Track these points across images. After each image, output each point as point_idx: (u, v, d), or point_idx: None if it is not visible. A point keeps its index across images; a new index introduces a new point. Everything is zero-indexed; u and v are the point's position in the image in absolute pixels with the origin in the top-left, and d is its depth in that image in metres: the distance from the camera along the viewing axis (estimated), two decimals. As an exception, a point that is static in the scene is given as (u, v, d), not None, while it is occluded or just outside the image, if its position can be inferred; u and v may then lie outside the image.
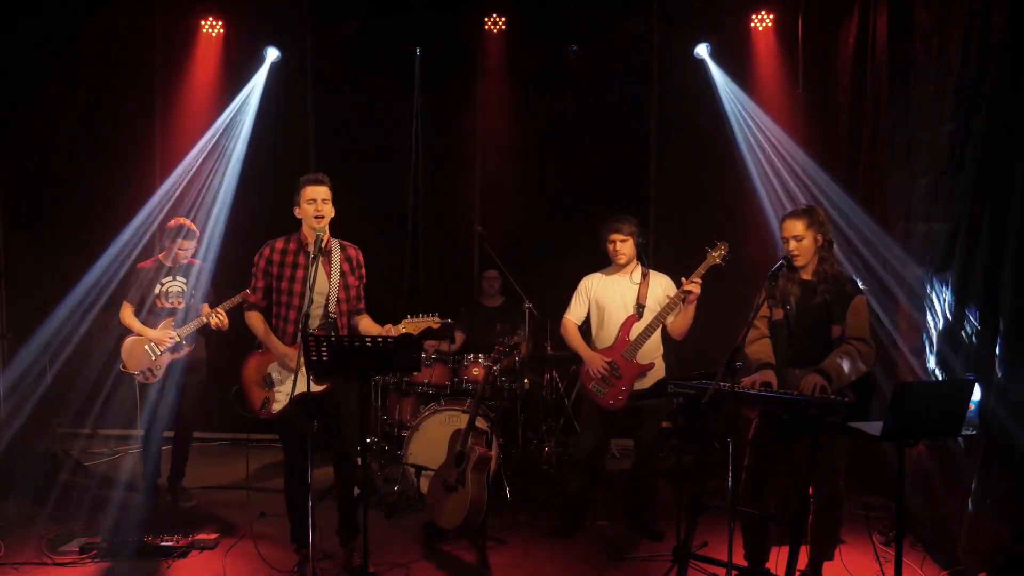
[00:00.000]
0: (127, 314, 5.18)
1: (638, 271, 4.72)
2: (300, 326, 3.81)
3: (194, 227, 5.24)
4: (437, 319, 4.07)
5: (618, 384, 4.57)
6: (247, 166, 6.94)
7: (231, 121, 6.88)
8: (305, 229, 4.09)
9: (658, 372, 4.66)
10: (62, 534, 4.62)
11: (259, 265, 4.12)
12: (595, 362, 4.61)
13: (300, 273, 4.02)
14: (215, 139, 6.85)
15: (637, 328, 4.57)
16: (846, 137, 6.04)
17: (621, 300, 4.66)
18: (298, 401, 3.90)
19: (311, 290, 3.90)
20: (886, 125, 5.45)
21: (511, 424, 5.77)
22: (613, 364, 4.58)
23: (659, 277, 4.72)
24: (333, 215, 4.08)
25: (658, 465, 4.95)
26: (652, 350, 4.63)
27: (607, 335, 4.68)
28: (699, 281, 4.35)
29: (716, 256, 4.37)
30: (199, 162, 6.77)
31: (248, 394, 4.17)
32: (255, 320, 4.13)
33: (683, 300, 4.41)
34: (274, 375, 4.10)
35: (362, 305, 4.22)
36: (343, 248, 4.17)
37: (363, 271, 4.22)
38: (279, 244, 4.12)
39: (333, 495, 5.30)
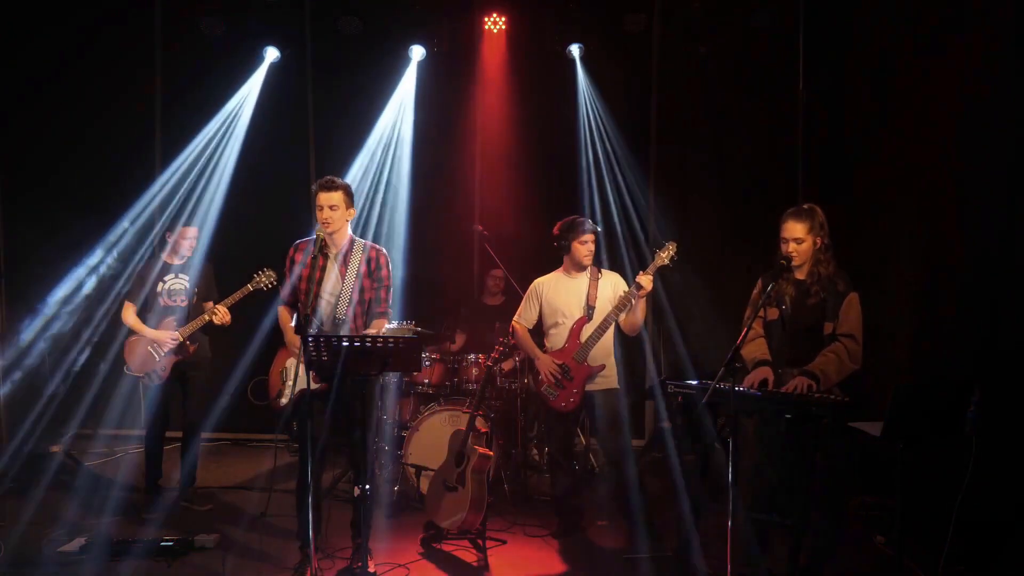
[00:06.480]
0: (129, 314, 5.12)
1: (588, 272, 4.67)
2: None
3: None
4: (412, 325, 4.11)
5: (569, 386, 4.55)
6: (248, 166, 6.95)
7: (230, 121, 6.89)
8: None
9: (610, 373, 4.61)
10: (62, 534, 4.61)
11: (286, 263, 4.23)
12: (546, 365, 4.60)
13: (317, 274, 4.09)
14: (214, 138, 6.85)
15: (587, 330, 4.54)
16: (846, 137, 6.04)
17: (573, 302, 4.63)
18: (299, 399, 3.96)
19: (316, 290, 4.00)
20: (886, 124, 5.46)
21: (511, 424, 5.76)
22: (564, 367, 4.56)
23: (610, 276, 4.69)
24: (351, 217, 4.16)
25: (628, 468, 4.58)
26: (603, 351, 4.58)
27: (559, 337, 4.66)
28: (651, 276, 4.33)
29: (664, 256, 4.35)
30: (199, 162, 6.78)
31: (270, 383, 4.28)
32: (281, 312, 4.28)
33: (634, 295, 4.37)
34: (290, 370, 4.18)
35: (382, 308, 4.16)
36: (365, 250, 4.18)
37: (383, 273, 4.18)
38: (303, 244, 4.21)
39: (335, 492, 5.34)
